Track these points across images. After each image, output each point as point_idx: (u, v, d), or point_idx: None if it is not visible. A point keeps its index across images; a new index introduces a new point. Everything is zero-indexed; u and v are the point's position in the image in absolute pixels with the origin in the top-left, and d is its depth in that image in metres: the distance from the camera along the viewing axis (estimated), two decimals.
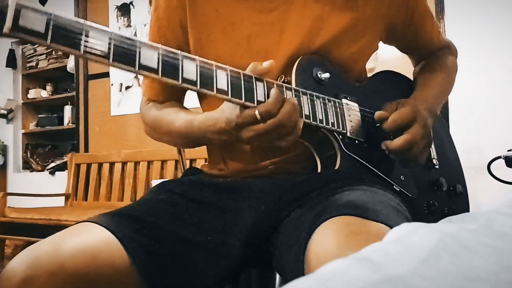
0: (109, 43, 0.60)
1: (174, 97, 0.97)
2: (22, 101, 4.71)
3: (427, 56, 1.09)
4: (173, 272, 0.75)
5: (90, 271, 0.66)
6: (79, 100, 3.96)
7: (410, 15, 0.97)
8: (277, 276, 1.01)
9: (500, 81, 2.49)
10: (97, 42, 0.60)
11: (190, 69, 0.67)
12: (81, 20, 0.59)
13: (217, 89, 0.69)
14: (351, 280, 0.27)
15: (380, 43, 0.99)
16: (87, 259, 0.67)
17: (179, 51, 0.67)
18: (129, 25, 3.75)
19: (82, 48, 0.58)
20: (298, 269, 0.67)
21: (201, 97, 0.97)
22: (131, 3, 3.75)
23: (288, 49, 0.86)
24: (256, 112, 0.70)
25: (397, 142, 0.84)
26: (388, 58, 2.17)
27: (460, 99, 2.43)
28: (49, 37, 0.56)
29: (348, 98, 0.89)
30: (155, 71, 0.64)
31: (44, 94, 4.67)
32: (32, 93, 4.66)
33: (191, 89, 0.68)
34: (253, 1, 0.88)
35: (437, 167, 1.01)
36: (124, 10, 3.77)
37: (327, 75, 0.86)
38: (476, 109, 2.51)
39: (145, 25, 3.68)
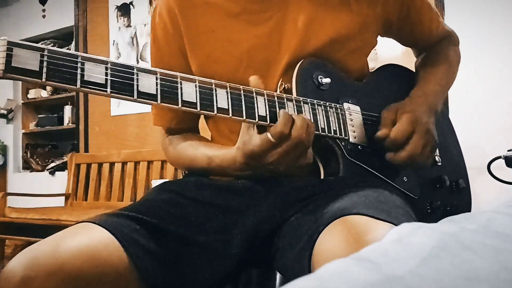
0: (106, 73, 0.60)
1: (189, 121, 0.98)
2: (22, 101, 4.71)
3: (428, 48, 1.08)
4: (173, 272, 0.75)
5: (89, 272, 0.66)
6: (79, 100, 3.96)
7: (406, 10, 0.97)
8: (277, 276, 1.01)
9: (501, 80, 2.49)
10: (94, 74, 0.59)
11: (189, 91, 0.67)
12: (76, 52, 0.58)
13: (217, 108, 0.68)
14: (350, 280, 0.27)
15: (380, 41, 0.99)
16: (86, 260, 0.67)
17: (177, 73, 0.67)
18: (129, 25, 3.75)
19: (78, 83, 0.57)
20: (303, 270, 0.67)
21: None
22: (131, 3, 3.75)
23: (288, 55, 0.86)
24: (269, 135, 0.70)
25: (399, 157, 0.85)
26: (388, 57, 2.17)
27: (460, 99, 2.43)
28: (44, 74, 0.55)
29: (349, 101, 0.89)
30: (154, 97, 0.63)
31: (44, 94, 4.67)
32: (32, 93, 4.66)
33: (191, 112, 0.68)
34: (246, 15, 0.88)
35: (439, 164, 1.00)
36: (124, 10, 3.77)
37: (327, 80, 0.85)
38: (476, 109, 2.51)
39: (145, 25, 3.68)
